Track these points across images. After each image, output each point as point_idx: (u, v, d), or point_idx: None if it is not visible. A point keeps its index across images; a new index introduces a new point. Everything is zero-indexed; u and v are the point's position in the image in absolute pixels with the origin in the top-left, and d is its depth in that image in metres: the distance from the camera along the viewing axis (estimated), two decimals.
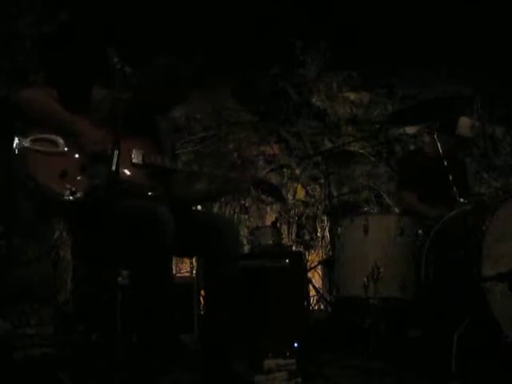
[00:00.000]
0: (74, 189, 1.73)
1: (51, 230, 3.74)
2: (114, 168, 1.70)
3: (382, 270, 2.48)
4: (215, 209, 4.10)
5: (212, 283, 2.01)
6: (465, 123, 2.78)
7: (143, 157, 1.94)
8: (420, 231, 2.56)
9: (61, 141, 1.81)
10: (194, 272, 3.43)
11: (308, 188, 4.34)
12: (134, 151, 1.92)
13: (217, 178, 2.10)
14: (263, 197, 2.18)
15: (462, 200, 2.43)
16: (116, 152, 1.72)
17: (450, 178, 2.54)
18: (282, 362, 2.00)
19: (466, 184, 3.01)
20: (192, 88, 2.08)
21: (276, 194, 2.20)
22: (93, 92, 1.95)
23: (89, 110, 1.90)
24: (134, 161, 1.92)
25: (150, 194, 1.93)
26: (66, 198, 1.73)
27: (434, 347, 2.21)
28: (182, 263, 3.74)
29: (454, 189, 2.50)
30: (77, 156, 1.82)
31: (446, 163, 2.59)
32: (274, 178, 3.97)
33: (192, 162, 2.10)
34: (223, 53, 3.94)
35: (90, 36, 3.51)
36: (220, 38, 3.97)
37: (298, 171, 4.28)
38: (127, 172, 1.89)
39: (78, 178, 1.78)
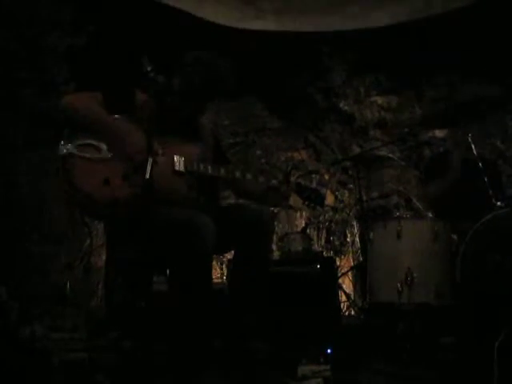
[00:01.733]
0: (115, 197, 1.73)
1: (83, 237, 3.81)
2: (147, 176, 1.71)
3: (415, 275, 2.44)
4: None
5: (240, 279, 1.98)
6: None
7: (185, 164, 1.91)
8: (455, 236, 2.51)
9: (104, 147, 1.82)
10: (225, 278, 3.44)
11: (337, 193, 4.31)
12: (175, 158, 1.90)
13: (259, 186, 2.06)
14: (301, 202, 2.11)
15: (498, 203, 2.37)
16: (150, 160, 1.73)
17: (486, 180, 2.49)
18: (316, 368, 1.98)
19: (500, 186, 2.94)
20: (233, 83, 2.04)
21: (318, 199, 2.14)
22: (136, 96, 1.94)
23: (132, 114, 1.89)
24: (176, 168, 1.89)
25: (191, 202, 1.90)
26: (108, 206, 1.73)
27: (472, 355, 2.16)
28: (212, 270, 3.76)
29: (490, 192, 2.45)
30: (120, 163, 1.80)
31: (481, 165, 2.54)
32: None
33: (235, 169, 2.04)
34: (251, 60, 3.96)
35: (122, 45, 3.57)
36: (248, 45, 4.00)
37: (326, 176, 4.25)
38: (168, 179, 1.88)
39: (120, 185, 1.76)
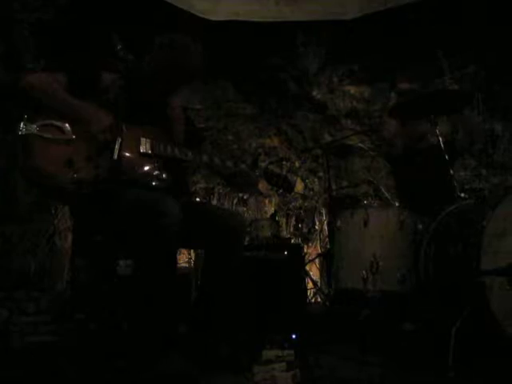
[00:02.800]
0: (79, 178, 1.70)
1: (49, 219, 3.73)
2: (115, 157, 1.69)
3: (380, 263, 2.48)
4: (214, 201, 4.10)
5: (211, 276, 2.01)
6: None
7: (151, 146, 1.89)
8: (420, 225, 2.56)
9: (67, 128, 1.78)
10: (192, 263, 3.44)
11: (307, 181, 4.34)
12: (142, 140, 1.88)
13: (226, 170, 2.06)
14: (270, 188, 2.14)
15: (462, 195, 2.43)
16: (118, 140, 1.70)
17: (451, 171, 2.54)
18: (280, 352, 2.00)
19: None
20: (202, 67, 2.01)
21: (286, 185, 2.16)
22: (102, 77, 1.91)
23: (97, 95, 1.86)
24: (142, 150, 1.87)
25: (157, 184, 1.89)
26: (71, 187, 1.70)
27: (432, 341, 2.22)
28: (180, 254, 3.74)
29: (455, 183, 2.51)
30: (83, 144, 1.77)
31: (447, 157, 2.59)
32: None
33: (202, 153, 2.04)
34: (224, 44, 3.91)
35: (92, 21, 3.47)
36: (222, 28, 3.95)
37: (297, 164, 4.27)
38: (134, 161, 1.86)
39: (84, 167, 1.74)
